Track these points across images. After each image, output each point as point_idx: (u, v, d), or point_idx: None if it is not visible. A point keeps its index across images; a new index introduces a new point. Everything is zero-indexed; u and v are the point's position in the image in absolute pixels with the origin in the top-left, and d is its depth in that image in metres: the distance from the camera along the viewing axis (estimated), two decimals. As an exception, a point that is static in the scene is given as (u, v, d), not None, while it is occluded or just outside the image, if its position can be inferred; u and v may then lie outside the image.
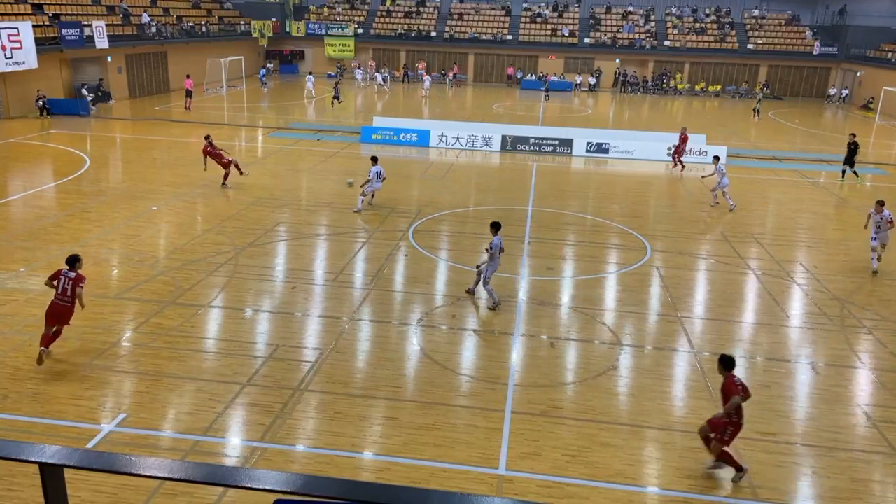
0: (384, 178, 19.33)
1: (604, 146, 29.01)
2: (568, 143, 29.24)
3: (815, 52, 53.14)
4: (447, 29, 57.24)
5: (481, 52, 56.50)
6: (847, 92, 51.75)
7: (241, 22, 53.24)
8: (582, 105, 46.49)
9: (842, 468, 8.73)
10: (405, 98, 45.83)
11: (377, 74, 51.21)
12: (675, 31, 55.96)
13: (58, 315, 10.27)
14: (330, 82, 51.27)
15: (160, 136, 29.72)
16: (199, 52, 45.44)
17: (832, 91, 52.92)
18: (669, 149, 27.35)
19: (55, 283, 10.28)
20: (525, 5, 58.85)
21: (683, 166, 26.26)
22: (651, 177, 26.18)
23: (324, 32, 56.99)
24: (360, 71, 51.68)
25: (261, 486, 2.02)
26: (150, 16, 41.65)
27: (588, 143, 29.13)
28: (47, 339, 10.26)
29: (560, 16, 57.89)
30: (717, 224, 19.55)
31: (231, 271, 14.42)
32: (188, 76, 37.43)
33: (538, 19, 57.52)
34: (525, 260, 15.89)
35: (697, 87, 54.62)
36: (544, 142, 29.41)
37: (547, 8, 58.42)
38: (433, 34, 57.12)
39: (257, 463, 8.41)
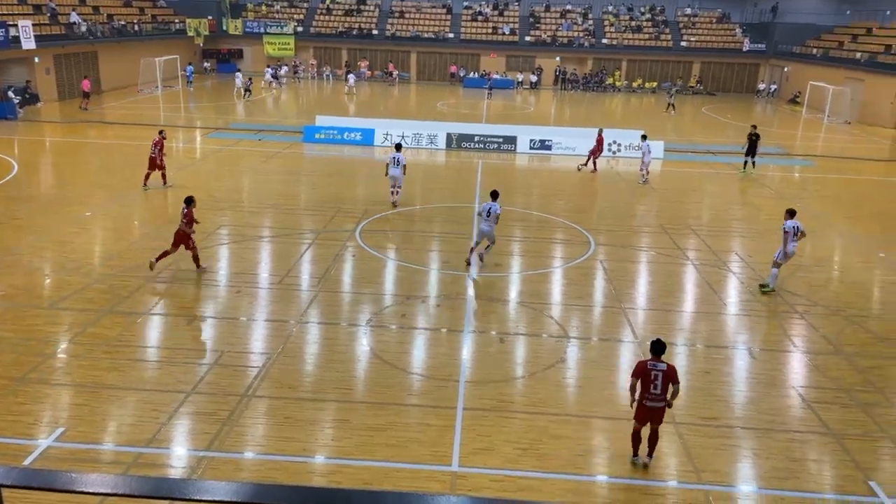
0: (401, 165, 19.03)
1: (547, 143, 29.42)
2: (512, 140, 29.53)
3: (744, 49, 55.17)
4: (389, 27, 57.03)
5: (424, 50, 56.51)
6: (776, 87, 53.90)
7: (176, 20, 51.76)
8: (524, 103, 47.03)
9: (779, 449, 9.10)
10: (326, 95, 45.40)
11: (267, 70, 49.12)
12: (613, 30, 57.19)
13: (179, 238, 13.96)
14: (273, 82, 50.36)
15: (93, 139, 28.66)
16: (131, 52, 43.97)
17: (762, 86, 55.04)
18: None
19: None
20: (465, 4, 59.12)
21: (595, 168, 25.90)
22: (592, 172, 26.67)
23: (262, 31, 55.98)
24: (270, 70, 49.04)
25: (209, 498, 1.97)
26: (79, 14, 40.07)
27: (531, 141, 29.49)
28: (163, 256, 13.93)
29: (501, 14, 58.41)
30: (657, 216, 20.09)
31: (171, 277, 14.02)
32: (86, 77, 36.79)
33: (479, 17, 57.89)
34: (473, 257, 15.97)
35: (635, 84, 55.94)
36: (489, 139, 29.63)
37: (487, 6, 58.85)
38: (375, 32, 56.82)
39: (204, 473, 8.22)
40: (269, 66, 51.03)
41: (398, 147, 20.24)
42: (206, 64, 54.96)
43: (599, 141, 26.02)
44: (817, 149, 33.13)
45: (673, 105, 43.40)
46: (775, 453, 9.00)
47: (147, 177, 20.56)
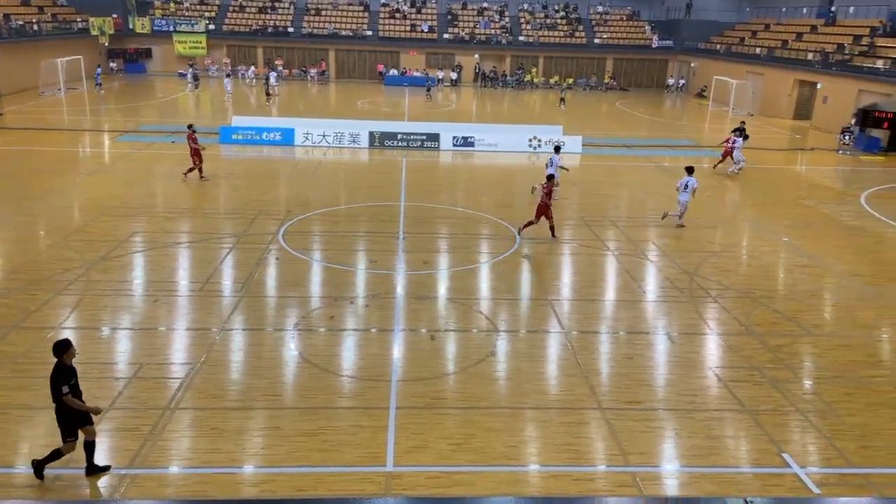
0: (554, 166, 20.44)
1: (469, 140, 29.66)
2: (435, 137, 29.60)
3: (653, 46, 57.35)
4: (305, 25, 56.10)
5: (342, 48, 55.88)
6: (684, 82, 56.28)
7: (78, 19, 49.16)
8: (446, 100, 47.24)
9: (699, 427, 9.52)
10: (242, 94, 44.34)
11: (189, 72, 46.50)
12: (529, 27, 58.24)
13: (541, 211, 16.88)
14: (182, 81, 48.66)
15: (-11, 145, 26.86)
16: (31, 53, 41.42)
17: (671, 81, 57.36)
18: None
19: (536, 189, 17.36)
20: (383, 1, 58.85)
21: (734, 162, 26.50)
22: (515, 168, 27.13)
23: (172, 29, 53.94)
24: (191, 72, 46.31)
25: (132, 518, 1.88)
26: (-32, 12, 37.44)
27: (454, 138, 29.65)
28: (527, 225, 17.14)
29: (418, 12, 58.46)
30: (578, 210, 20.60)
31: (83, 288, 13.33)
32: None
33: (397, 15, 57.75)
34: (401, 255, 15.95)
35: (552, 81, 57.16)
36: (412, 137, 29.60)
37: (405, 4, 58.76)
38: (290, 30, 55.75)
39: (128, 491, 7.86)
40: (227, 66, 49.45)
41: (556, 149, 21.73)
42: (112, 64, 52.46)
43: (727, 140, 27.03)
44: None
45: (563, 100, 44.71)
46: (696, 432, 9.42)
47: (200, 170, 22.07)
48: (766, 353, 11.79)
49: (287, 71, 54.45)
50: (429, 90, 47.20)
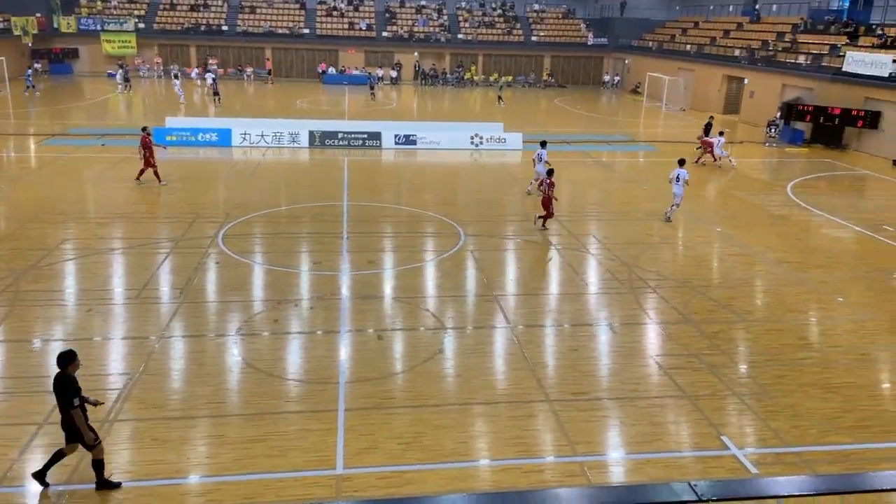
0: (542, 161, 21.12)
1: (411, 138, 29.62)
2: (376, 136, 29.44)
3: (589, 43, 58.51)
4: (240, 23, 54.92)
5: (279, 46, 54.94)
6: (619, 78, 57.64)
7: (-2, 18, 46.83)
8: (386, 98, 47.04)
9: (642, 415, 9.79)
10: (173, 95, 43.21)
11: (118, 72, 45.42)
12: (467, 25, 58.54)
13: (544, 204, 17.78)
14: (111, 81, 47.01)
15: None
16: (-56, 52, 39.23)
17: (606, 78, 58.65)
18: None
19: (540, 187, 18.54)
20: (319, -1, 58.20)
21: (710, 160, 27.56)
22: (457, 165, 27.26)
23: (99, 28, 51.96)
24: (121, 73, 45.07)
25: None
26: None
27: (396, 136, 29.55)
28: (542, 218, 17.88)
29: (356, 10, 58.00)
30: (520, 205, 20.85)
31: (11, 299, 12.72)
32: None
33: (334, 13, 57.14)
34: (345, 255, 15.81)
35: (491, 78, 57.63)
36: (353, 136, 29.36)
37: (342, 1, 58.20)
38: (225, 28, 54.49)
39: (66, 509, 7.56)
40: (158, 65, 47.76)
41: (543, 144, 22.05)
42: (36, 65, 50.14)
43: (705, 143, 27.94)
44: (658, 135, 35.80)
45: (501, 97, 45.22)
46: (640, 419, 9.67)
47: (141, 172, 21.30)
48: (703, 339, 12.21)
49: (222, 70, 53.18)
50: (372, 88, 46.95)
